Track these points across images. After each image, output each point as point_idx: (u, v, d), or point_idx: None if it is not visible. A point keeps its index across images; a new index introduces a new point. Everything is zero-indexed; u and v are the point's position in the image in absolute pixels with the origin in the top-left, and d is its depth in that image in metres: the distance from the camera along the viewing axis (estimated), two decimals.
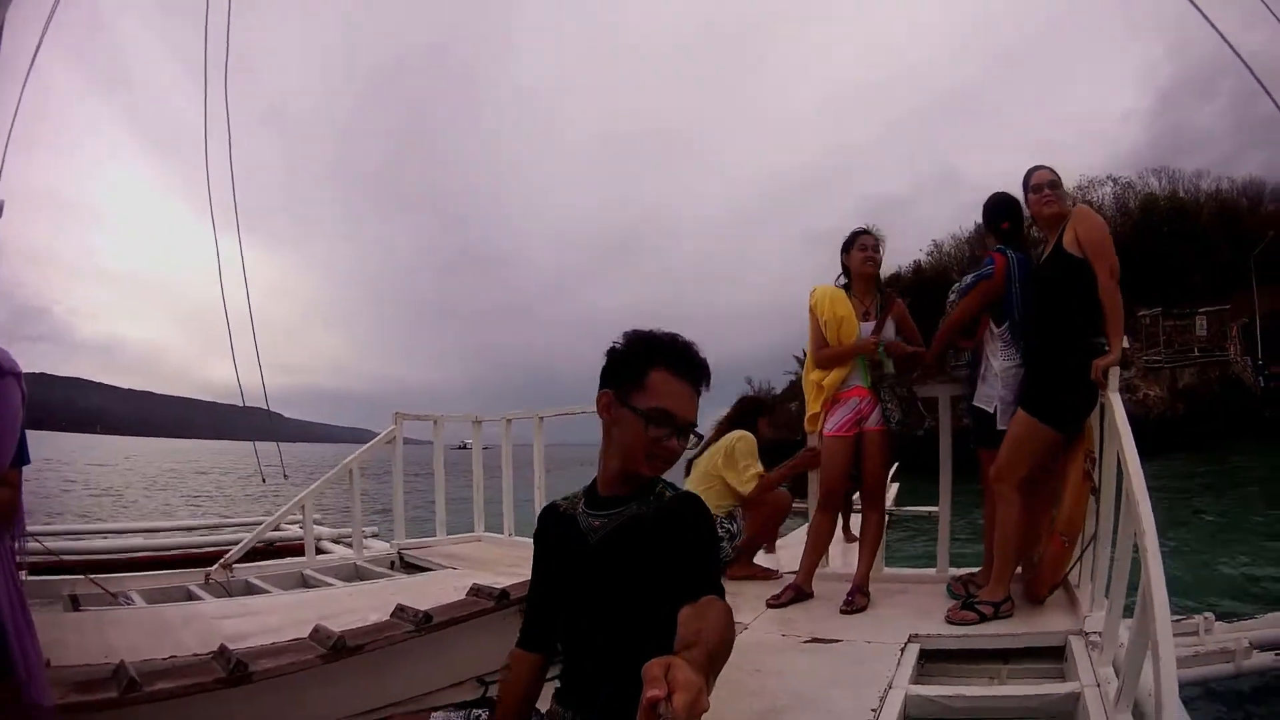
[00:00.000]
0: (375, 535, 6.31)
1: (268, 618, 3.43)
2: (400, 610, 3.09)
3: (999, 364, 3.45)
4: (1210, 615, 3.38)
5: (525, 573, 4.25)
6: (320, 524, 6.06)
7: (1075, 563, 3.38)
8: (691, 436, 1.64)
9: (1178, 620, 3.11)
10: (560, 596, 1.70)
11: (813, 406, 3.85)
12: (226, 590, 4.41)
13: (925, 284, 43.13)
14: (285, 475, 7.12)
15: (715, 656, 1.20)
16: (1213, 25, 3.36)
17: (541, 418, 5.54)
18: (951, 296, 3.73)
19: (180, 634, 3.14)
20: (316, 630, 2.81)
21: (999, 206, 3.66)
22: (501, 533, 5.81)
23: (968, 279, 3.68)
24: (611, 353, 1.69)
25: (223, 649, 2.55)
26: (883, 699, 2.55)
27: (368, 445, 5.48)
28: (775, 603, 3.68)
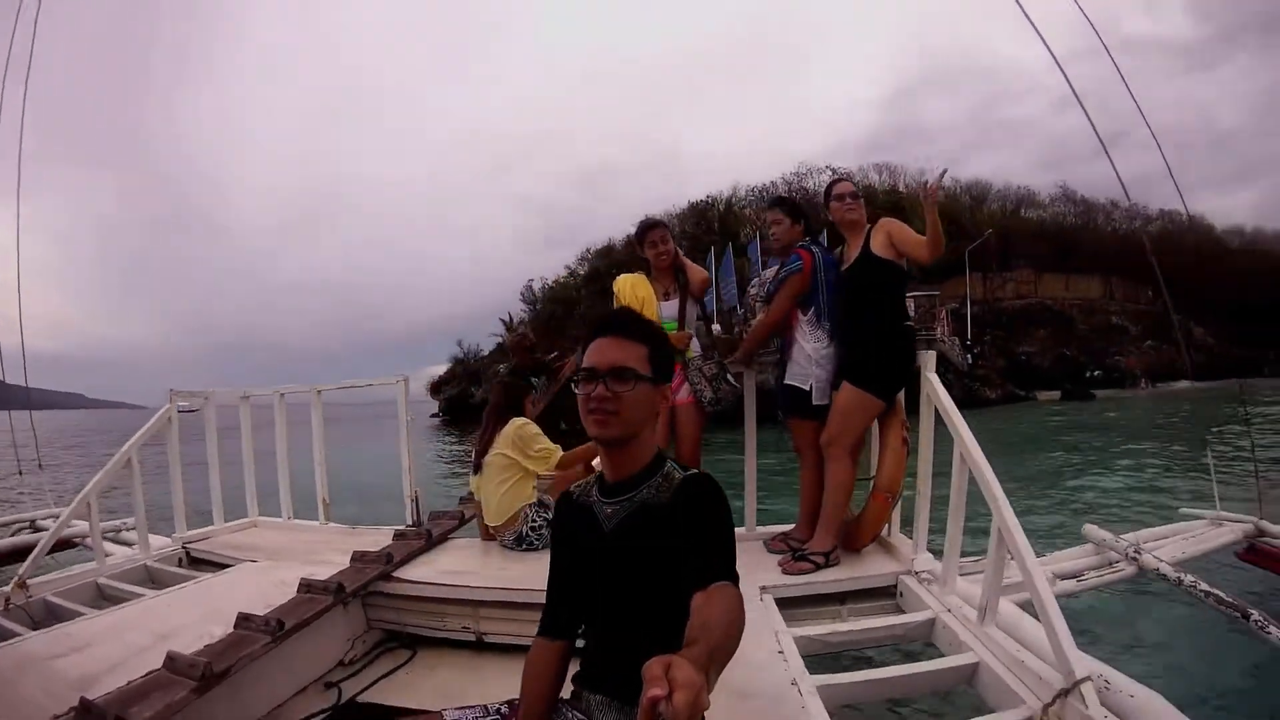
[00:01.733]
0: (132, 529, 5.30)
1: (102, 648, 2.90)
2: (245, 620, 2.74)
3: (810, 347, 3.77)
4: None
5: (325, 558, 3.98)
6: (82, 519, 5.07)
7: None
8: (626, 375, 1.62)
9: (978, 559, 3.49)
10: (580, 584, 1.73)
11: None
12: (30, 616, 3.63)
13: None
14: (40, 465, 5.85)
15: (718, 650, 1.21)
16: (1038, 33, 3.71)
17: (319, 391, 5.02)
18: (752, 289, 3.97)
19: (21, 688, 2.58)
20: (172, 660, 2.41)
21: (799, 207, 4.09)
22: (279, 515, 5.21)
23: (768, 273, 3.99)
24: None
25: (87, 706, 2.14)
26: (779, 642, 2.75)
27: (145, 429, 4.57)
28: None
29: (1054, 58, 3.81)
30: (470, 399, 41.21)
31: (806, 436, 3.80)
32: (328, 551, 4.24)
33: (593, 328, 1.71)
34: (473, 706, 1.75)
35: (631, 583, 1.59)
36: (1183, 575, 3.26)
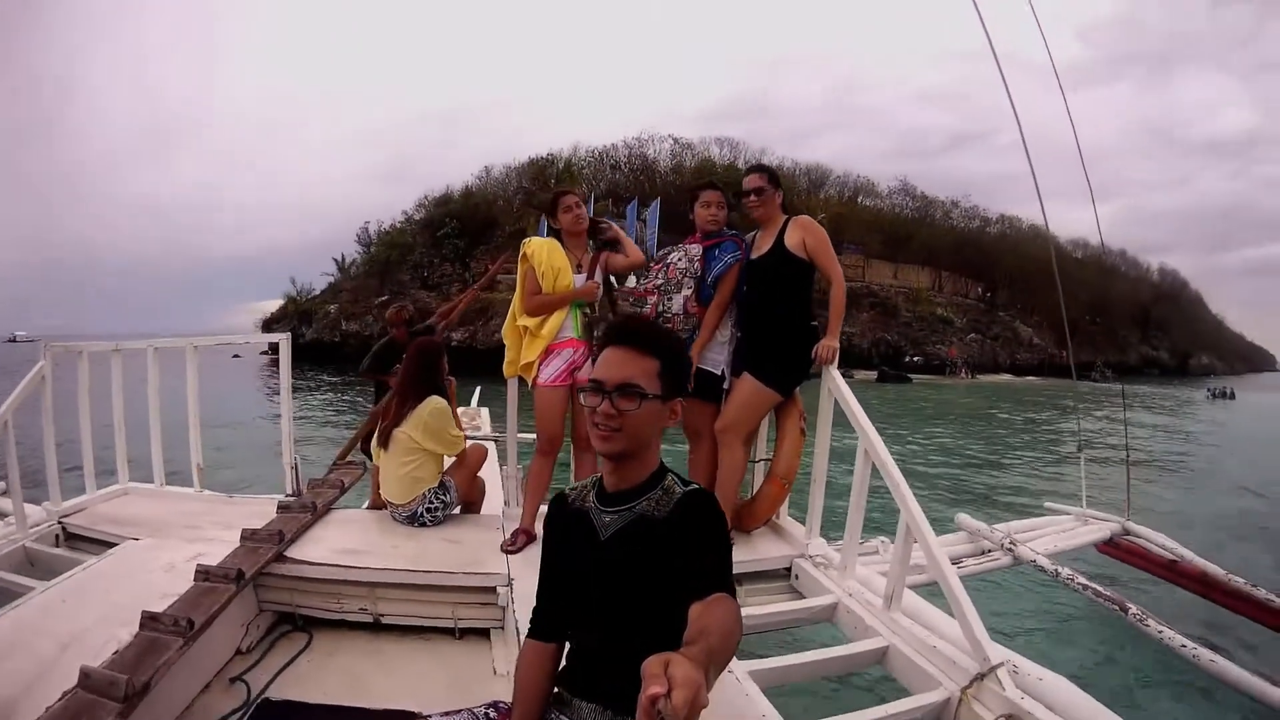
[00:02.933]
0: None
1: (11, 663, 2.52)
2: (152, 620, 2.46)
3: (723, 334, 3.78)
4: (885, 539, 3.92)
5: (209, 534, 3.75)
6: None
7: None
8: (633, 392, 1.56)
9: (863, 541, 3.63)
10: (572, 588, 1.70)
11: (527, 354, 3.83)
12: None
13: (474, 209, 45.59)
14: None
15: (716, 652, 1.20)
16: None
17: (196, 346, 4.64)
18: (680, 262, 3.83)
19: None
20: (88, 677, 2.13)
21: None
22: (151, 482, 4.75)
23: (692, 249, 3.79)
24: None
25: None
26: None
27: (19, 390, 4.01)
28: (511, 549, 3.59)
29: (1001, 76, 3.91)
30: (301, 339, 38.85)
31: (706, 420, 3.80)
32: (209, 525, 3.95)
33: (606, 335, 1.65)
34: (458, 712, 1.71)
35: (627, 592, 1.56)
36: (1059, 568, 3.52)
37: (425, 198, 48.89)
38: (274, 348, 41.55)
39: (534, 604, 1.80)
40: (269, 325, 44.90)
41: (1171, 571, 3.99)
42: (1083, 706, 2.12)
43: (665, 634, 1.36)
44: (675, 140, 57.32)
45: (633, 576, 1.55)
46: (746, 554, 3.54)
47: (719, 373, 3.77)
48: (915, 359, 47.94)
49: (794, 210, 3.73)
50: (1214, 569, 3.87)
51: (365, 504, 4.64)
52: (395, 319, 6.42)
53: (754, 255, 3.73)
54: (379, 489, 4.17)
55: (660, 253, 3.95)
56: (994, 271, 64.22)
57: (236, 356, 43.21)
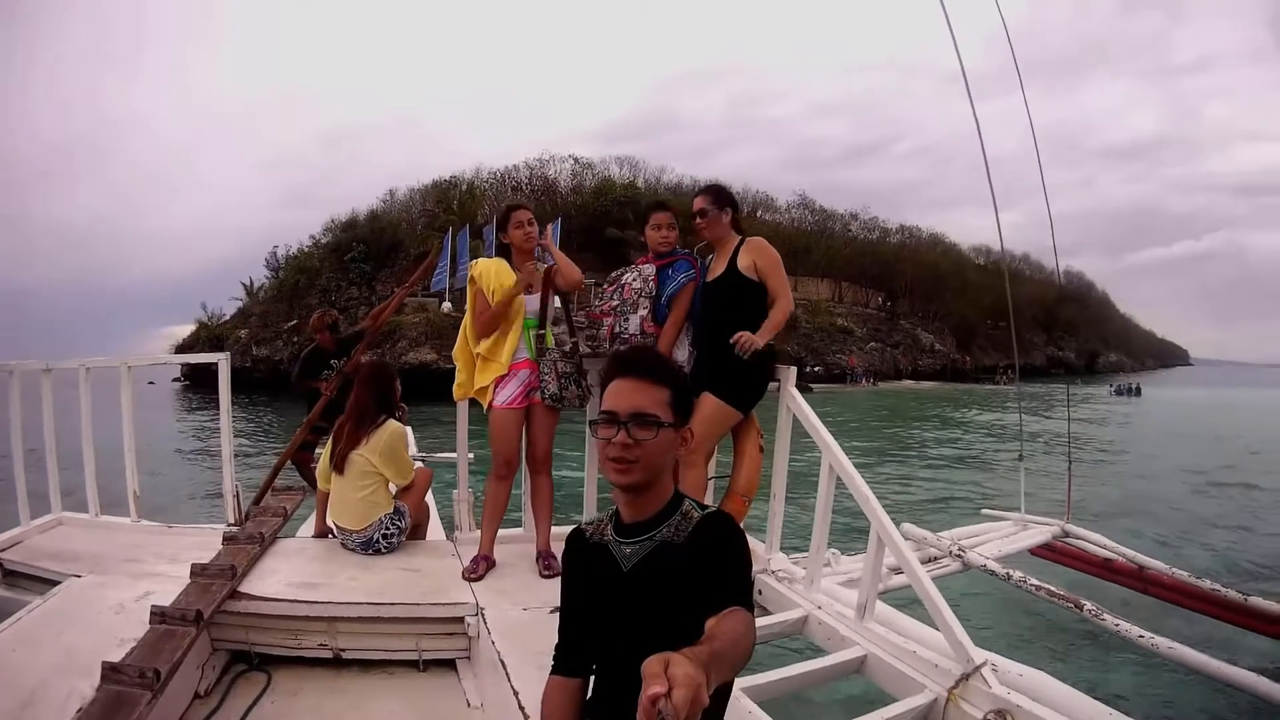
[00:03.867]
0: None
1: None
2: (115, 671, 2.30)
3: (678, 353, 3.80)
4: (835, 551, 3.98)
5: (154, 569, 3.64)
6: None
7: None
8: (648, 422, 1.56)
9: (806, 555, 3.64)
10: (594, 623, 1.68)
11: (481, 379, 3.79)
12: None
13: (379, 232, 45.84)
14: None
15: (720, 654, 1.20)
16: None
17: (130, 366, 4.38)
18: (635, 283, 3.84)
19: None
20: None
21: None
22: (86, 511, 4.43)
23: (646, 269, 3.85)
24: None
25: None
26: None
27: None
28: (474, 576, 3.52)
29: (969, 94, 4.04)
30: (212, 365, 37.59)
31: None
32: (151, 559, 3.71)
33: (611, 366, 1.64)
34: None
35: (654, 622, 1.52)
36: (1011, 571, 3.64)
37: (333, 220, 48.81)
38: (192, 373, 40.44)
39: (556, 640, 1.76)
40: (181, 351, 43.54)
41: (1108, 570, 4.18)
42: (1067, 696, 2.21)
43: None
44: (576, 160, 58.75)
45: (659, 605, 1.53)
46: None
47: None
48: (816, 369, 49.08)
49: (746, 230, 3.78)
50: (1153, 564, 4.07)
51: (308, 530, 4.47)
52: (319, 324, 6.31)
53: (709, 278, 3.76)
54: (325, 515, 4.03)
55: (614, 274, 3.96)
56: (894, 280, 66.96)
57: (151, 383, 41.91)
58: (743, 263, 3.62)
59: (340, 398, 5.35)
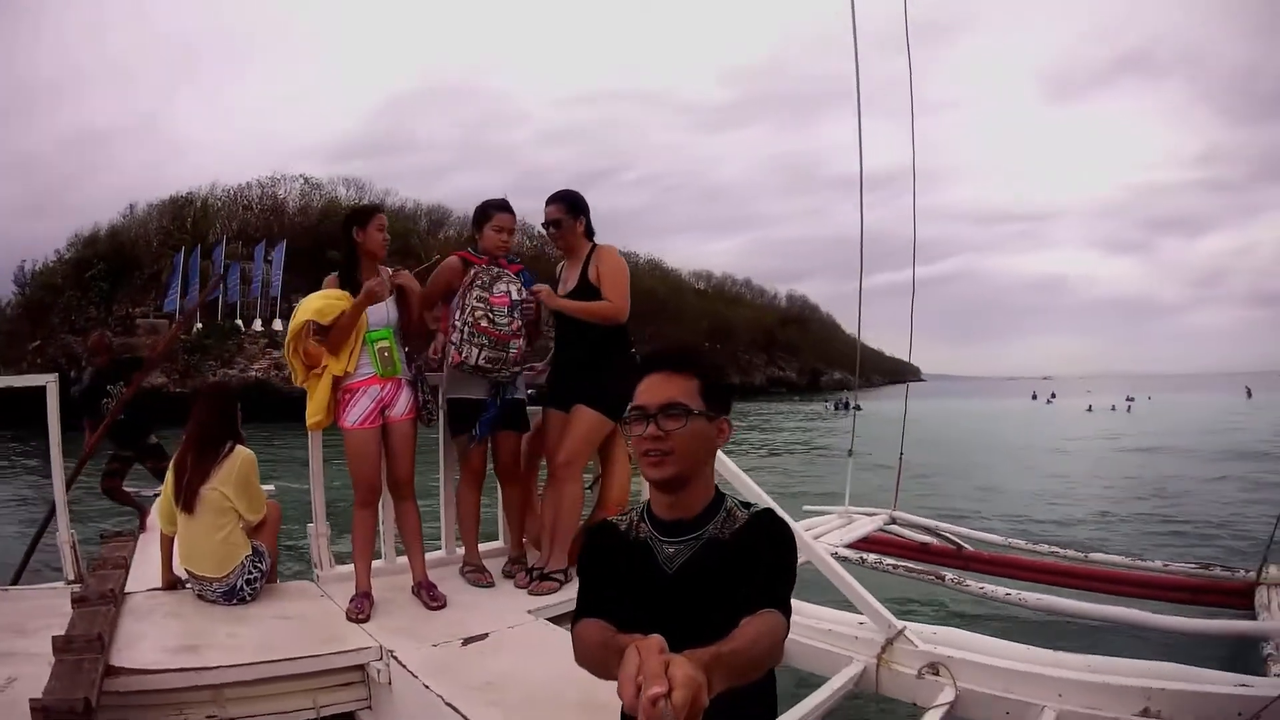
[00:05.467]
0: None
1: None
2: None
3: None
4: None
5: (31, 624, 3.09)
6: None
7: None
8: (677, 411, 1.53)
9: None
10: (633, 624, 1.46)
11: (319, 398, 3.47)
12: None
13: (119, 249, 42.30)
14: None
15: (733, 655, 1.22)
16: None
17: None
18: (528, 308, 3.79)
19: None
20: None
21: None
22: None
23: (505, 272, 3.77)
24: None
25: None
26: None
27: None
28: (360, 617, 3.25)
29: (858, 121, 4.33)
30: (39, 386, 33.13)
31: (514, 451, 3.89)
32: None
33: (641, 365, 1.63)
34: None
35: (701, 623, 1.43)
36: (864, 555, 4.02)
37: (76, 235, 44.09)
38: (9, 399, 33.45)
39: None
40: None
41: (927, 554, 4.70)
42: (987, 643, 2.55)
43: None
44: (306, 180, 56.28)
45: (706, 607, 1.47)
46: None
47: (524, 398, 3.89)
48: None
49: (586, 239, 3.80)
50: (971, 540, 4.64)
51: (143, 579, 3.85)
52: (99, 345, 5.71)
53: (561, 290, 3.79)
54: (172, 562, 3.55)
55: (478, 278, 3.69)
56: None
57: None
58: (592, 274, 3.67)
59: (128, 422, 5.25)
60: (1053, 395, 72.83)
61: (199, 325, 35.43)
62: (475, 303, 3.62)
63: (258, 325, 37.70)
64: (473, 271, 3.69)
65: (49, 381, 3.65)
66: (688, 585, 1.52)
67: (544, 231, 3.93)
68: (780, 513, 1.67)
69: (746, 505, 1.61)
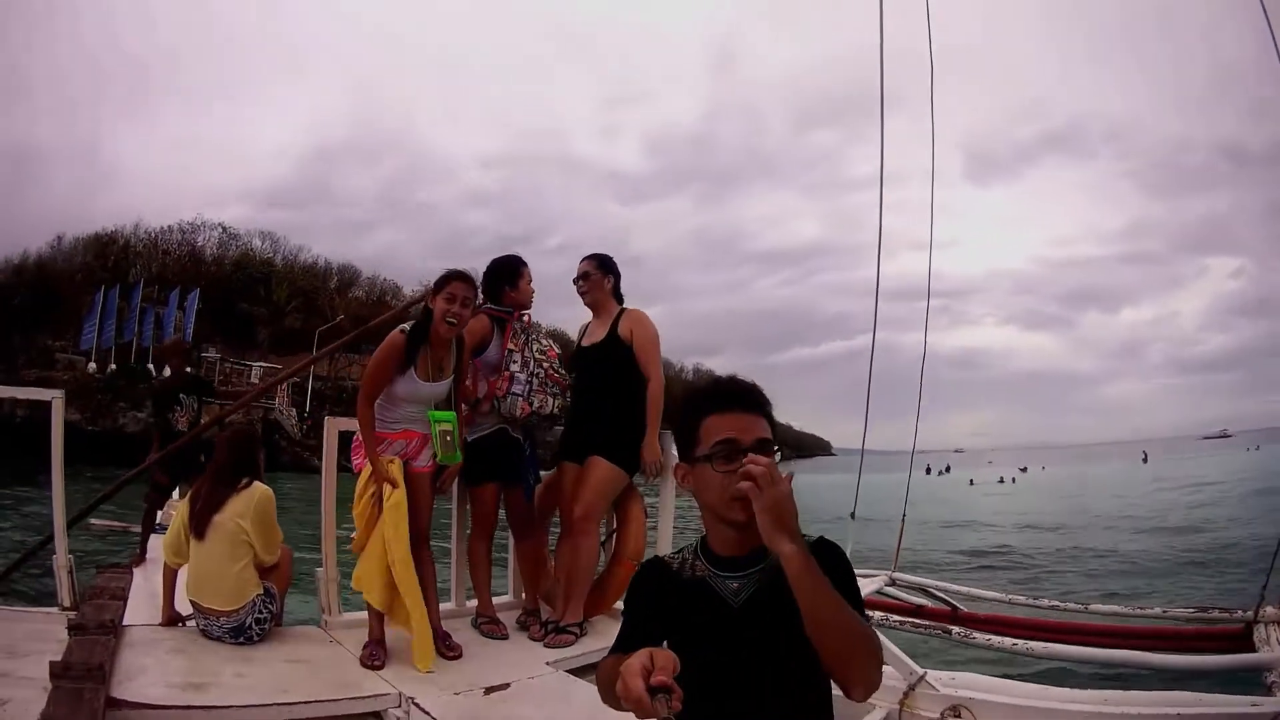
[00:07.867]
0: None
1: None
2: None
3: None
4: None
5: (23, 648, 3.02)
6: None
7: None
8: (769, 448, 1.52)
9: None
10: (696, 662, 1.41)
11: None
12: None
13: (46, 280, 44.05)
14: None
15: (827, 584, 1.33)
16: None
17: None
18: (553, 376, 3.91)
19: None
20: None
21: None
22: None
23: (544, 337, 4.00)
24: (676, 430, 1.67)
25: None
26: None
27: None
28: (375, 664, 3.21)
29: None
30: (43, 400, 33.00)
31: (523, 506, 3.91)
32: None
33: (709, 400, 1.58)
34: None
35: (770, 653, 1.47)
36: (870, 614, 4.04)
37: (7, 261, 45.43)
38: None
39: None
40: None
41: (922, 616, 4.71)
42: (1006, 685, 2.60)
43: (811, 694, 1.45)
44: (224, 229, 58.29)
45: (776, 639, 1.45)
46: (598, 642, 3.55)
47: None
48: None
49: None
50: (974, 598, 4.67)
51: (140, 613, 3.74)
52: (175, 348, 6.13)
53: (586, 342, 3.93)
54: (175, 597, 3.49)
55: (530, 332, 3.89)
56: None
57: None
58: (623, 329, 3.81)
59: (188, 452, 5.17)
60: (946, 468, 74.83)
61: (112, 366, 36.52)
62: (539, 355, 3.83)
63: (167, 371, 37.92)
64: (519, 325, 3.85)
65: (55, 397, 3.62)
66: (756, 617, 1.49)
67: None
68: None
69: (806, 537, 1.58)
